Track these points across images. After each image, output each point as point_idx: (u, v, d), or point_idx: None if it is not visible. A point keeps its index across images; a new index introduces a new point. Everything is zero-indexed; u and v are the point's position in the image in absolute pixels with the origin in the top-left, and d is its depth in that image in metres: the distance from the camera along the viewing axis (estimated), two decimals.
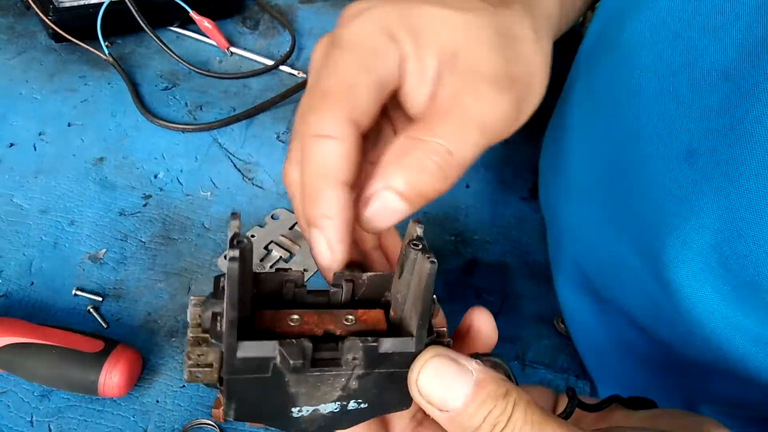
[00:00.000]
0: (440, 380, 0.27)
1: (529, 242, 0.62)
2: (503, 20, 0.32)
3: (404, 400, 0.30)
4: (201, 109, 0.69)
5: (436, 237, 0.62)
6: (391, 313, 0.31)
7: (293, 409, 0.28)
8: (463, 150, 0.29)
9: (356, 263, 0.32)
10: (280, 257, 0.58)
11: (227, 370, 0.27)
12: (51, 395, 0.46)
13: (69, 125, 0.66)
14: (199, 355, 0.27)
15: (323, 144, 0.29)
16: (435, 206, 0.64)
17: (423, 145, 0.29)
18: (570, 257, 0.51)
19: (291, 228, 0.61)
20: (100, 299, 0.53)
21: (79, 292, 0.53)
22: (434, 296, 0.30)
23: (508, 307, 0.56)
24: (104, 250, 0.57)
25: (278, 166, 0.65)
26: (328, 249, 0.30)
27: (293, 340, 0.26)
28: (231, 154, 0.65)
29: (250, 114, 0.67)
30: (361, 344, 0.27)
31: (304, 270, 0.31)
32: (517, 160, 0.67)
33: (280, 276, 0.31)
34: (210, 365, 0.28)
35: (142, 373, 0.48)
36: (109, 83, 0.70)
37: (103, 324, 0.51)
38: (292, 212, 0.62)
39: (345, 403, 0.29)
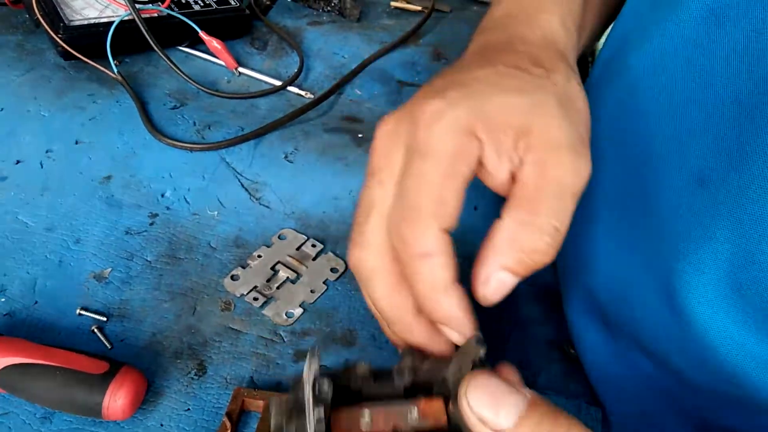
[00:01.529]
0: (492, 398, 0.29)
1: None
2: (560, 88, 0.34)
3: None
4: (209, 128, 0.68)
5: None
6: (450, 406, 0.34)
7: None
8: (566, 221, 0.32)
9: (416, 348, 0.36)
10: (287, 278, 0.57)
11: None
12: (53, 417, 0.45)
13: (76, 143, 0.65)
14: None
15: (429, 262, 0.33)
16: None
17: (532, 228, 0.32)
18: (581, 283, 0.51)
19: (298, 248, 0.60)
20: (105, 319, 0.52)
21: (83, 312, 0.52)
22: None
23: (517, 332, 0.55)
24: (110, 269, 0.56)
25: (286, 186, 0.65)
26: (462, 337, 0.34)
27: None
28: (239, 173, 0.65)
29: (258, 134, 0.67)
30: None
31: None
32: None
33: (349, 372, 0.35)
34: None
35: (147, 395, 0.47)
36: (117, 101, 0.70)
37: (108, 345, 0.50)
38: (300, 232, 0.61)
39: None
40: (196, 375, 0.49)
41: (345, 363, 0.38)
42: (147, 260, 0.57)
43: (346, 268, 0.59)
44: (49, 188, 0.61)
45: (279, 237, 0.61)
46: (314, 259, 0.60)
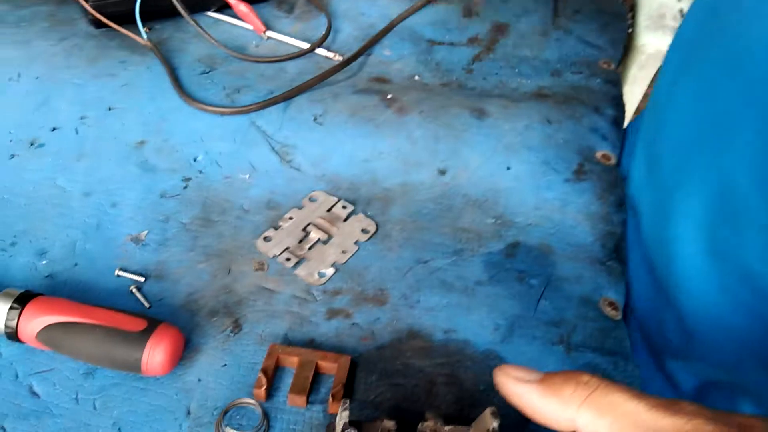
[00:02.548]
0: None
1: (573, 225, 0.60)
2: None
3: None
4: (238, 92, 0.69)
5: (476, 220, 0.60)
6: None
7: None
8: None
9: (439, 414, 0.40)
10: (319, 239, 0.58)
11: None
12: (95, 373, 0.47)
13: (110, 109, 0.66)
14: None
15: None
16: (475, 188, 0.62)
17: None
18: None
19: (329, 210, 0.60)
20: (143, 280, 0.53)
21: (121, 273, 0.53)
22: None
23: (551, 290, 0.54)
24: (146, 232, 0.57)
25: (315, 148, 0.65)
26: None
27: None
28: (269, 136, 0.65)
29: (287, 97, 0.67)
30: None
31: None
32: (561, 140, 0.66)
33: (377, 425, 0.39)
34: None
35: (184, 352, 0.48)
36: (148, 68, 0.71)
37: (146, 304, 0.52)
38: (330, 194, 0.61)
39: None
40: (232, 332, 0.50)
41: (373, 418, 0.41)
42: (182, 223, 0.58)
43: (377, 228, 0.59)
44: (84, 154, 0.62)
45: (310, 199, 0.61)
46: (345, 220, 0.60)
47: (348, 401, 0.38)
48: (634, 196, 0.62)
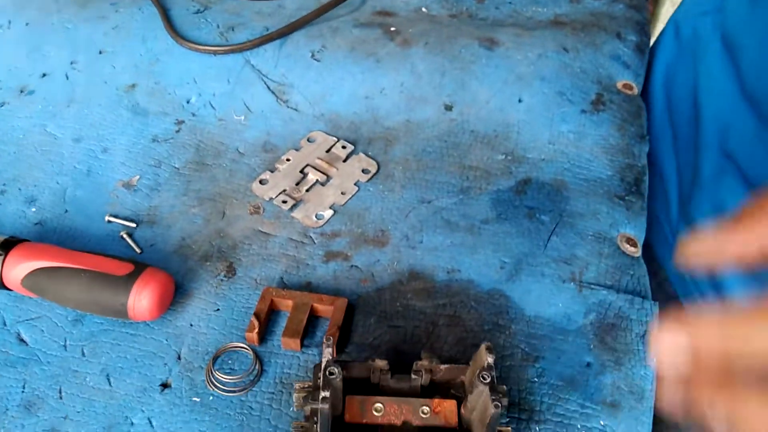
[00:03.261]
0: None
1: (590, 159, 0.56)
2: None
3: None
4: (233, 30, 0.65)
5: (485, 157, 0.57)
6: (462, 410, 0.37)
7: None
8: None
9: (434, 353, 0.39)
10: (317, 180, 0.55)
11: None
12: (84, 320, 0.45)
13: (100, 53, 0.64)
14: None
15: None
16: (484, 124, 0.58)
17: None
18: None
19: (328, 151, 0.57)
20: (134, 225, 0.51)
21: (112, 219, 0.52)
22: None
23: (563, 226, 0.51)
24: (137, 177, 0.55)
25: (313, 87, 0.61)
26: None
27: None
28: (264, 75, 0.62)
29: (283, 33, 0.63)
30: None
31: None
32: (578, 70, 0.61)
33: (368, 365, 0.38)
34: None
35: (176, 297, 0.46)
36: (140, 9, 0.67)
37: (137, 249, 0.50)
38: (329, 134, 0.58)
39: None
40: (225, 277, 0.48)
41: (365, 357, 0.40)
42: (174, 167, 0.56)
43: (378, 168, 0.56)
44: (75, 99, 0.60)
45: (308, 140, 0.58)
46: (345, 160, 0.57)
47: (332, 338, 0.36)
48: (733, 35, 0.56)
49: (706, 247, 0.28)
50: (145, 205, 0.53)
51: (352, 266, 0.49)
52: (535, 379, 0.43)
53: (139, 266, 0.44)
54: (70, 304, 0.44)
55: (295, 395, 0.37)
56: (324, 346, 0.35)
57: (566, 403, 0.42)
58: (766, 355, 0.23)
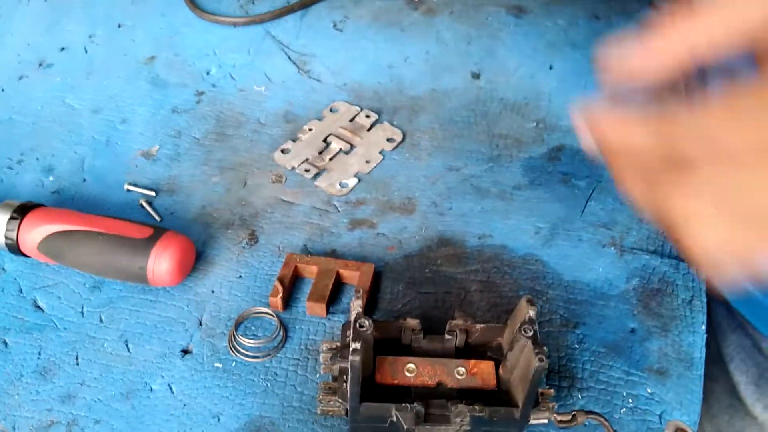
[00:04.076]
0: None
1: None
2: None
3: None
4: (253, 2, 0.64)
5: (515, 125, 0.54)
6: (501, 371, 0.34)
7: None
8: None
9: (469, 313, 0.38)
10: (340, 149, 0.53)
11: (351, 420, 0.34)
12: (103, 286, 0.44)
13: (119, 26, 0.63)
14: (329, 401, 0.35)
15: None
16: (513, 92, 0.56)
17: None
18: None
19: (351, 120, 0.55)
20: (154, 194, 0.50)
21: (131, 188, 0.50)
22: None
23: (601, 191, 0.48)
24: (157, 147, 0.53)
25: (336, 57, 0.59)
26: None
27: (407, 406, 0.32)
28: (285, 46, 0.60)
29: (304, 3, 0.62)
30: (468, 413, 0.32)
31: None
32: (609, 34, 0.58)
33: (399, 324, 0.36)
34: (338, 407, 0.35)
35: (197, 264, 0.45)
36: None
37: (156, 217, 0.48)
38: (352, 104, 0.56)
39: None
40: (247, 244, 0.46)
41: (396, 317, 0.38)
42: (195, 137, 0.54)
43: (404, 137, 0.54)
44: (94, 72, 0.59)
45: (330, 110, 0.56)
46: (369, 129, 0.55)
47: (361, 291, 0.33)
48: None
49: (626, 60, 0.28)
50: (165, 174, 0.51)
51: (378, 234, 0.47)
52: (576, 346, 0.40)
53: (159, 230, 0.43)
54: (88, 268, 0.43)
55: (322, 356, 0.35)
56: (353, 299, 0.33)
57: (610, 370, 0.39)
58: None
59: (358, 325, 0.31)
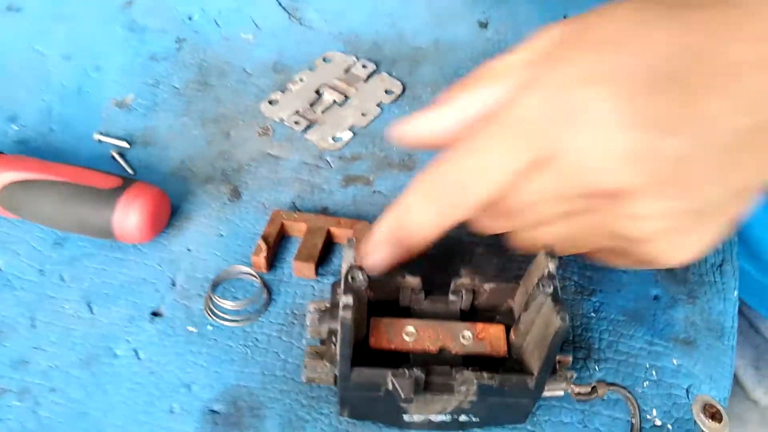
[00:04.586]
0: None
1: None
2: None
3: (518, 418, 0.31)
4: None
5: None
6: (512, 335, 0.30)
7: (405, 416, 0.30)
8: None
9: (476, 271, 0.32)
10: (334, 101, 0.48)
11: (341, 387, 0.29)
12: (66, 242, 0.39)
13: None
14: (316, 367, 0.30)
15: None
16: None
17: None
18: None
19: (346, 71, 0.50)
20: (127, 145, 0.45)
21: (102, 138, 0.45)
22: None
23: None
24: (133, 96, 0.49)
25: (330, 3, 0.55)
26: None
27: (405, 371, 0.28)
28: None
29: None
30: (476, 381, 0.28)
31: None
32: None
33: (397, 282, 0.31)
34: (326, 373, 0.30)
35: (173, 220, 0.40)
36: None
37: (129, 170, 0.44)
38: (347, 54, 0.51)
39: (456, 416, 0.30)
40: (229, 200, 0.42)
41: (392, 274, 0.32)
42: (174, 87, 0.49)
43: (404, 90, 0.49)
44: (65, 16, 0.54)
45: (324, 60, 0.51)
46: (366, 81, 0.50)
47: (354, 239, 0.29)
48: None
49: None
50: (140, 125, 0.47)
51: (374, 191, 0.43)
52: (592, 314, 0.36)
53: (128, 181, 0.38)
54: (50, 221, 0.38)
55: (309, 317, 0.31)
56: (346, 248, 0.28)
57: (630, 340, 0.35)
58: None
59: (349, 278, 0.27)
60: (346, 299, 0.26)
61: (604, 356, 0.34)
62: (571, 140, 0.26)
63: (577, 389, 0.30)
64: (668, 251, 0.28)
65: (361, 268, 0.27)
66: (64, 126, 0.47)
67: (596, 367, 0.34)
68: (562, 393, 0.30)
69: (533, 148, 0.26)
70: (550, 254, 0.28)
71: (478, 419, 0.30)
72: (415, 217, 0.30)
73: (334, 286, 0.31)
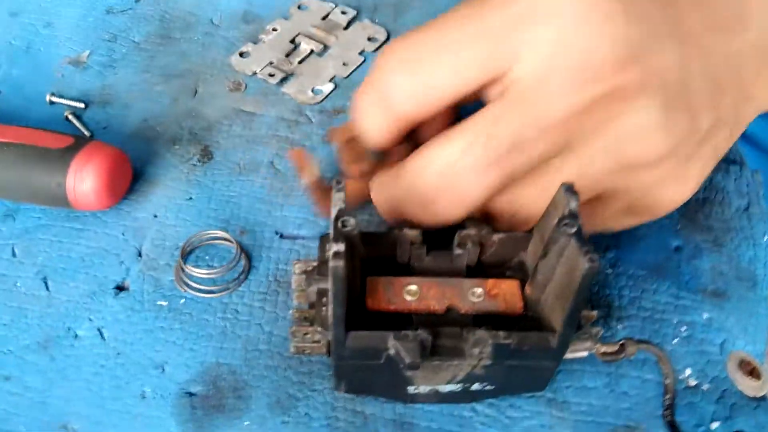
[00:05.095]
0: None
1: None
2: None
3: (537, 384, 0.28)
4: None
5: None
6: (527, 290, 0.27)
7: (409, 387, 0.27)
8: None
9: (481, 218, 0.28)
10: (312, 51, 0.44)
11: (335, 356, 0.25)
12: (17, 214, 0.35)
13: None
14: (305, 334, 0.26)
15: None
16: None
17: None
18: None
19: (324, 18, 0.46)
20: (83, 106, 0.40)
21: (55, 99, 0.41)
22: None
23: None
24: (88, 53, 0.44)
25: None
26: None
27: (409, 334, 0.24)
28: None
29: None
30: (491, 341, 0.24)
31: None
32: None
33: (394, 236, 0.27)
34: (317, 341, 0.26)
35: (136, 185, 0.36)
36: None
37: (85, 132, 0.39)
38: (324, 1, 0.47)
39: (468, 384, 0.27)
40: (199, 161, 0.38)
41: (388, 228, 0.28)
42: (134, 41, 0.45)
43: (388, 37, 0.45)
44: None
45: (299, 7, 0.47)
46: (346, 28, 0.46)
47: (343, 181, 0.25)
48: None
49: None
50: (97, 84, 0.42)
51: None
52: (609, 270, 0.33)
53: (81, 140, 0.34)
54: None
55: (294, 278, 0.27)
56: (334, 191, 0.24)
57: (654, 295, 0.32)
58: None
59: (340, 224, 0.23)
60: (337, 246, 0.22)
61: (626, 314, 0.31)
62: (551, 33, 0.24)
63: (603, 348, 0.26)
64: (669, 186, 0.27)
65: (352, 215, 0.23)
66: (13, 87, 0.42)
67: (619, 326, 0.30)
68: (585, 354, 0.27)
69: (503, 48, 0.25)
70: (571, 191, 0.24)
71: (492, 387, 0.27)
72: (394, 82, 0.27)
73: (322, 240, 0.27)
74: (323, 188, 0.34)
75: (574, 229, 0.23)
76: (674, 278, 0.32)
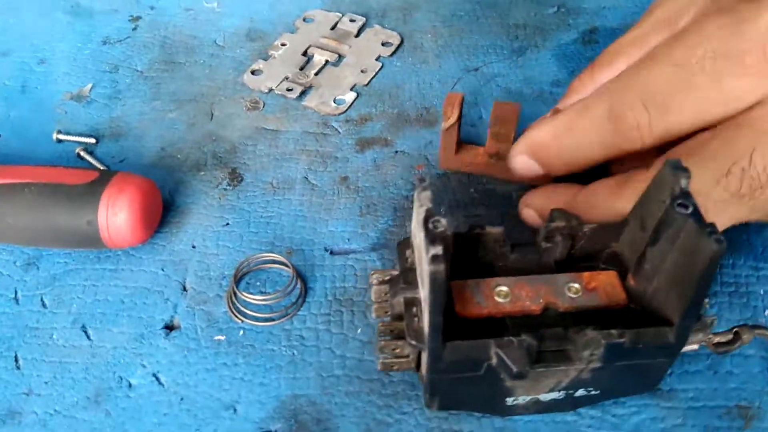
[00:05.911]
0: None
1: None
2: None
3: (648, 384, 0.26)
4: None
5: (531, 12, 0.45)
6: (630, 281, 0.25)
7: (507, 399, 0.25)
8: None
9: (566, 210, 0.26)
10: (326, 61, 0.42)
11: (431, 370, 0.23)
12: (40, 262, 0.32)
13: None
14: (393, 349, 0.25)
15: None
16: None
17: None
18: None
19: (333, 28, 0.44)
20: (93, 141, 0.38)
21: (63, 137, 0.38)
22: None
23: None
24: (90, 86, 0.41)
25: None
26: None
27: (513, 340, 0.22)
28: None
29: None
30: (604, 341, 0.22)
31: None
32: None
33: (475, 235, 0.26)
34: (406, 356, 0.25)
35: (166, 216, 0.33)
36: None
37: (101, 167, 0.36)
38: (329, 11, 0.45)
39: (571, 391, 0.25)
40: (229, 185, 0.35)
41: (469, 227, 0.26)
42: (137, 70, 0.42)
43: (402, 40, 0.43)
44: None
45: (304, 20, 0.45)
46: (357, 35, 0.44)
47: (427, 179, 0.22)
48: None
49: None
50: (104, 117, 0.39)
51: (396, 152, 0.37)
52: None
53: (106, 173, 0.31)
54: (16, 237, 0.31)
55: (373, 290, 0.24)
56: (418, 190, 0.22)
57: (733, 269, 0.30)
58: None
59: (431, 225, 0.20)
60: (435, 249, 0.20)
61: (711, 290, 0.29)
62: None
63: (716, 339, 0.25)
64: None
65: (442, 214, 0.21)
66: (14, 129, 0.39)
67: (708, 304, 0.29)
68: (696, 347, 0.25)
69: None
70: (678, 167, 0.22)
71: (598, 392, 0.25)
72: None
73: (401, 246, 0.25)
74: (456, 139, 0.33)
75: (689, 209, 0.21)
76: (747, 251, 0.31)
